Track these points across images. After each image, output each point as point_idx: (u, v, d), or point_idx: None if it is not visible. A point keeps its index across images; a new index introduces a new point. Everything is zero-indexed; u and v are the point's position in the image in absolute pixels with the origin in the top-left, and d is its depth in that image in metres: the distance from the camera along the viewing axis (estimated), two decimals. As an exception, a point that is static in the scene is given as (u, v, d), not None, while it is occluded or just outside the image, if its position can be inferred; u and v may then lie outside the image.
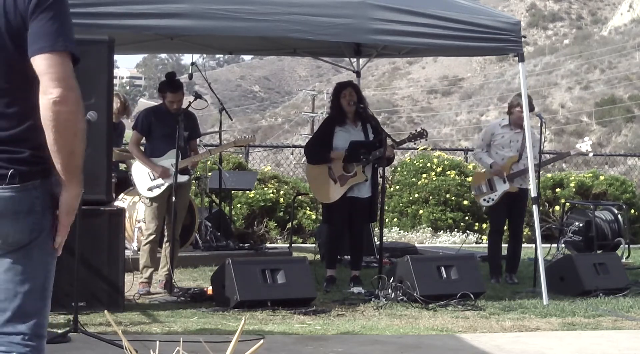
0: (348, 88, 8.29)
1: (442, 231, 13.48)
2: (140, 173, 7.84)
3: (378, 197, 8.26)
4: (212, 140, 13.23)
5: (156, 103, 8.27)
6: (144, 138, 7.99)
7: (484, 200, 8.97)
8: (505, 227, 9.27)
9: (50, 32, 2.69)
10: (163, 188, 7.74)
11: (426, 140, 8.85)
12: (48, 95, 2.65)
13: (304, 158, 9.07)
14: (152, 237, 7.76)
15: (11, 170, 2.69)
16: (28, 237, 2.74)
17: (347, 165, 8.19)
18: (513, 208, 8.94)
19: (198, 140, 8.66)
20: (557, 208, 13.25)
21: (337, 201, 8.19)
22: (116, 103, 9.27)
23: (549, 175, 14.63)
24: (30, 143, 2.73)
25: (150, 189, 7.76)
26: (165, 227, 7.84)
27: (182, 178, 7.71)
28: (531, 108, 8.74)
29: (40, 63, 2.67)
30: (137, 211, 9.06)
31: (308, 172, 8.69)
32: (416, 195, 13.81)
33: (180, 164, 7.67)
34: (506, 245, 9.25)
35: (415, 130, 8.52)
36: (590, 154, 9.29)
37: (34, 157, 2.73)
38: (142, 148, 8.10)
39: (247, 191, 11.91)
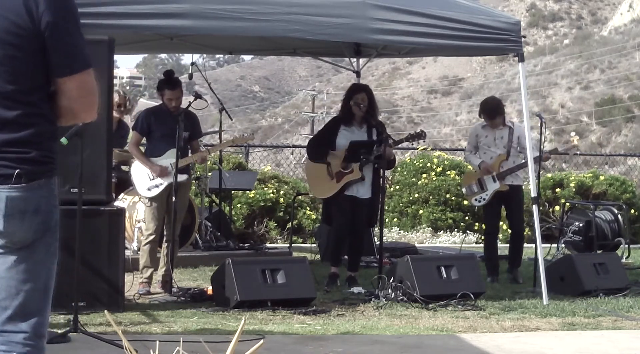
0: (362, 94, 8.31)
1: (442, 231, 13.48)
2: (140, 173, 7.85)
3: (378, 201, 8.26)
4: (212, 140, 13.21)
5: (156, 104, 8.28)
6: (144, 138, 8.01)
7: (476, 199, 9.00)
8: (505, 226, 9.28)
9: (68, 51, 2.75)
10: (162, 187, 7.74)
11: (424, 141, 8.93)
12: (74, 114, 2.82)
13: (304, 157, 9.11)
14: (151, 237, 7.77)
15: (17, 170, 2.69)
16: (33, 236, 2.74)
17: (345, 163, 8.22)
18: (508, 207, 8.98)
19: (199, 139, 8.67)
20: (557, 208, 13.24)
21: (338, 200, 8.21)
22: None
23: (549, 175, 14.62)
24: (39, 146, 2.75)
25: (149, 189, 7.77)
26: (164, 227, 7.84)
27: (181, 178, 7.71)
28: (499, 112, 8.82)
29: (65, 85, 2.76)
30: (137, 211, 9.05)
31: (307, 169, 8.69)
32: (416, 195, 13.80)
33: (179, 163, 7.67)
34: (507, 245, 9.24)
35: (414, 131, 8.58)
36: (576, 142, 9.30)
37: (42, 157, 2.75)
38: (142, 148, 8.12)
39: (247, 191, 11.91)
